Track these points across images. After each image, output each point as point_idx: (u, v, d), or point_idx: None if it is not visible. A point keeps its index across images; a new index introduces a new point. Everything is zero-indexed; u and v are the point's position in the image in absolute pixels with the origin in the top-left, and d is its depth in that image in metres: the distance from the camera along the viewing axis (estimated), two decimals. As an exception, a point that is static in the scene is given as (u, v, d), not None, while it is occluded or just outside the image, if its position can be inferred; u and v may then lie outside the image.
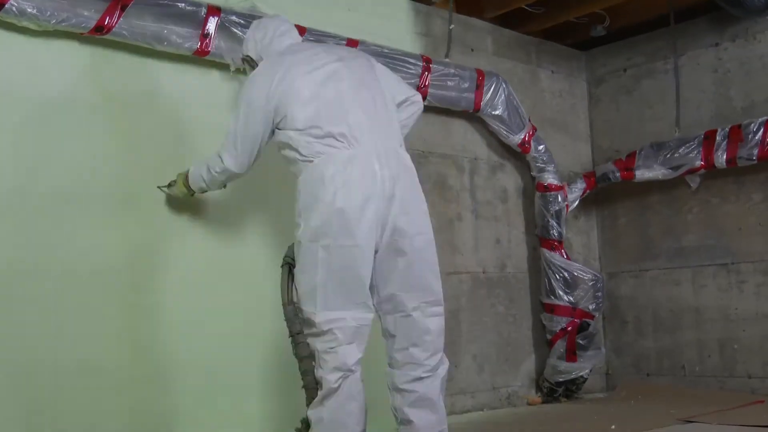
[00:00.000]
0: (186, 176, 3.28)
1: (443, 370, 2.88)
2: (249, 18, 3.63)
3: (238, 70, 3.66)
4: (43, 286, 3.12)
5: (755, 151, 4.62)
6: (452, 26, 4.72)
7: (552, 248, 4.92)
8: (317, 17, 4.01)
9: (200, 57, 3.56)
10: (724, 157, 4.73)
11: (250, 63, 3.14)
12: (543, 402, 4.88)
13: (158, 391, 3.36)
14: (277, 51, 3.04)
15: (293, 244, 2.90)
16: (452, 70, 4.52)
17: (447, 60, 4.61)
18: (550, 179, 4.95)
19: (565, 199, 5.00)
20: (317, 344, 2.76)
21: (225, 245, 3.65)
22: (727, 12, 4.82)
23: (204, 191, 3.32)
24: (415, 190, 2.90)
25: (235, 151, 2.98)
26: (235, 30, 3.59)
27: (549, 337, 4.93)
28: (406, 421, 2.84)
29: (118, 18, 3.24)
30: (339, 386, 2.71)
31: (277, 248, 3.41)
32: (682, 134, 5.02)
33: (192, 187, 3.28)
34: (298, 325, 2.86)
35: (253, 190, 3.73)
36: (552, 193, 4.95)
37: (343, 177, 2.74)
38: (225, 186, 3.26)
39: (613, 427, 3.75)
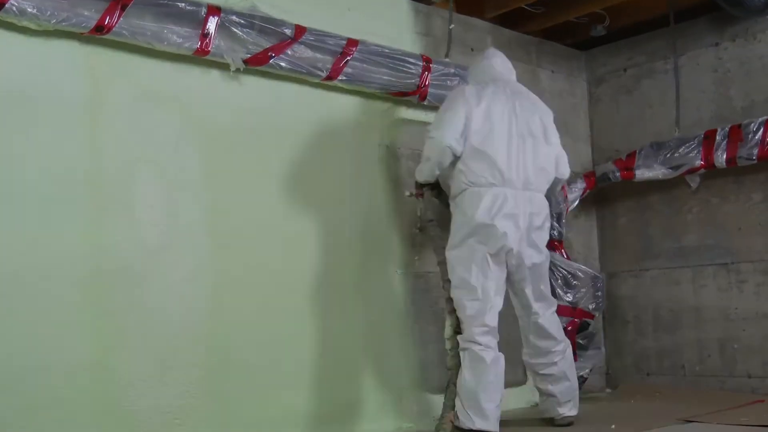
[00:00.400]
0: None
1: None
2: (249, 18, 3.64)
3: (238, 70, 3.67)
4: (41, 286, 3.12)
5: (755, 151, 4.63)
6: (452, 26, 4.72)
7: (552, 248, 4.90)
8: (317, 17, 4.01)
9: (200, 57, 3.56)
10: (724, 156, 4.74)
11: None
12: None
13: (158, 391, 3.37)
14: None
15: None
16: (452, 70, 4.52)
17: (447, 60, 4.61)
18: (551, 179, 4.95)
19: (565, 199, 5.00)
20: None
21: (225, 245, 3.65)
22: (727, 12, 4.82)
23: None
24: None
25: None
26: (235, 30, 3.59)
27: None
28: (548, 393, 3.86)
29: (119, 18, 3.23)
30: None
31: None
32: (682, 134, 5.03)
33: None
34: None
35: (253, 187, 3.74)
36: (552, 192, 4.95)
37: None
38: None
39: (612, 426, 3.75)
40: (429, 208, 3.92)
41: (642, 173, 5.07)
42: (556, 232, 4.91)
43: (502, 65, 3.98)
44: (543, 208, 3.81)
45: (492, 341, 3.61)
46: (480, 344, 3.57)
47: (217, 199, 3.64)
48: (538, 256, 3.78)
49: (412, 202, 4.15)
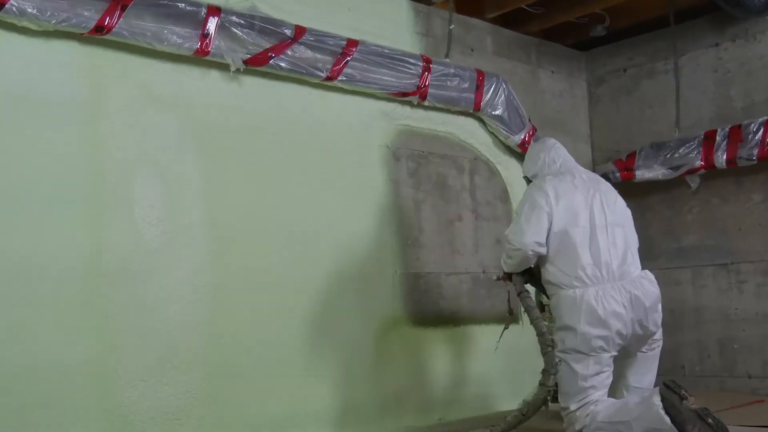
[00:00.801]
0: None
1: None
2: (249, 18, 3.64)
3: (238, 70, 3.67)
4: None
5: (755, 151, 4.63)
6: (452, 26, 4.72)
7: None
8: (317, 17, 4.01)
9: (200, 57, 3.56)
10: (724, 157, 4.74)
11: None
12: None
13: (158, 390, 3.37)
14: None
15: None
16: (452, 71, 4.52)
17: (447, 60, 4.61)
18: (551, 179, 4.94)
19: (565, 199, 4.99)
20: None
21: (225, 245, 3.66)
22: (727, 12, 4.83)
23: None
24: None
25: None
26: (235, 30, 3.59)
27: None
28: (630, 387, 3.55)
29: (118, 18, 3.24)
30: None
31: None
32: (682, 134, 5.03)
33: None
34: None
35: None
36: (552, 193, 4.94)
37: None
38: None
39: None
40: (517, 282, 3.74)
41: (642, 174, 5.07)
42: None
43: (566, 154, 3.78)
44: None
45: None
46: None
47: (216, 199, 3.64)
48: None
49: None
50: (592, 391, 3.37)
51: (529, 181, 3.78)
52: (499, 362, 4.51)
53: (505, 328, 3.87)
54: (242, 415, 3.57)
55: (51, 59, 3.23)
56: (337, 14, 4.19)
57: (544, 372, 3.46)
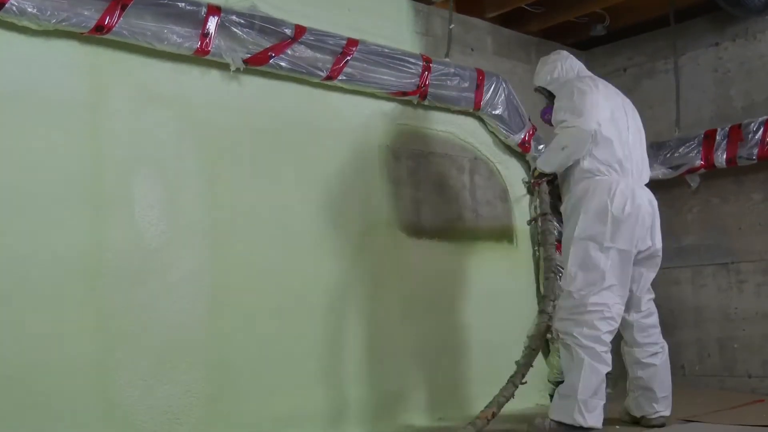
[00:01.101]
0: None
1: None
2: (249, 17, 3.64)
3: (237, 70, 3.67)
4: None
5: (755, 151, 4.63)
6: (452, 26, 4.73)
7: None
8: (317, 17, 4.01)
9: (200, 56, 3.56)
10: (724, 156, 4.74)
11: None
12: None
13: (158, 390, 3.37)
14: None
15: None
16: (452, 70, 4.52)
17: (447, 60, 4.61)
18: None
19: (565, 198, 5.00)
20: None
21: (225, 245, 3.66)
22: (727, 12, 4.83)
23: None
24: None
25: None
26: (235, 29, 3.59)
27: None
28: (646, 388, 3.69)
29: (119, 17, 3.24)
30: None
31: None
32: (682, 134, 5.03)
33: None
34: None
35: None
36: (553, 192, 4.95)
37: None
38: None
39: (617, 427, 3.75)
40: (544, 201, 3.81)
41: (642, 173, 5.06)
42: (557, 232, 4.91)
43: (581, 64, 3.97)
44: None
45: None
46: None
47: (216, 199, 3.64)
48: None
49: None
50: (608, 293, 3.44)
51: (540, 92, 3.95)
52: (500, 361, 4.50)
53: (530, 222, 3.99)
54: (242, 414, 3.57)
55: (51, 59, 3.23)
56: (337, 14, 4.19)
57: (543, 298, 3.51)
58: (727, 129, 4.76)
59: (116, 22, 3.24)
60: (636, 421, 3.79)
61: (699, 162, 4.85)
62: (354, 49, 4.00)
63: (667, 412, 3.77)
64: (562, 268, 3.65)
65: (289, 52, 3.78)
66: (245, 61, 3.66)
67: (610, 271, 3.47)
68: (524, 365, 3.55)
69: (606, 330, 3.47)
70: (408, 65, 4.27)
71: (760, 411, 4.14)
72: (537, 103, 5.23)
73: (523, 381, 3.49)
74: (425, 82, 4.35)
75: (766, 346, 4.76)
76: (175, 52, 3.50)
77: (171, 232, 3.48)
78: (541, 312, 3.53)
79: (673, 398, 3.82)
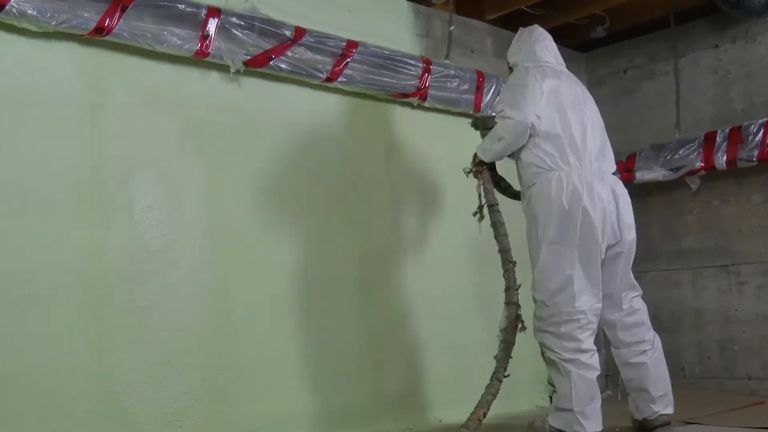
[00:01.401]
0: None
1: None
2: (249, 19, 3.64)
3: (238, 72, 3.67)
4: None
5: (755, 153, 4.63)
6: (452, 28, 4.73)
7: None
8: (317, 18, 4.02)
9: (200, 58, 3.56)
10: (724, 158, 4.74)
11: None
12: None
13: (158, 392, 3.37)
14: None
15: None
16: (452, 72, 4.53)
17: (447, 61, 4.61)
18: (551, 180, 4.94)
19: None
20: None
21: (224, 246, 3.66)
22: (727, 14, 4.83)
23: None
24: None
25: None
26: (235, 31, 3.59)
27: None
28: (640, 389, 3.56)
29: (119, 19, 3.24)
30: None
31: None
32: (682, 136, 5.03)
33: None
34: None
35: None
36: (552, 194, 4.94)
37: None
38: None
39: (617, 429, 3.75)
40: (489, 191, 3.75)
41: (642, 175, 5.07)
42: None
43: (554, 47, 3.83)
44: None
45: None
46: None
47: (216, 200, 3.65)
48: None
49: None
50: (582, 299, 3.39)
51: (510, 69, 3.83)
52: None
53: (478, 217, 3.75)
54: (242, 416, 3.57)
55: (51, 60, 3.23)
56: (337, 16, 4.20)
57: (507, 290, 3.49)
58: (727, 131, 4.76)
59: (116, 24, 3.24)
60: (642, 425, 3.66)
61: (699, 164, 4.85)
62: (354, 50, 4.00)
63: (668, 410, 3.64)
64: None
65: (289, 53, 3.78)
66: (245, 63, 3.66)
67: (577, 272, 3.39)
68: (503, 359, 3.44)
69: (586, 337, 3.41)
70: (408, 67, 4.27)
71: (760, 413, 4.13)
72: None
73: (506, 374, 3.44)
74: (425, 84, 4.35)
75: (766, 348, 4.75)
76: (175, 54, 3.50)
77: (171, 233, 3.49)
78: (508, 304, 3.46)
79: (673, 399, 3.80)
